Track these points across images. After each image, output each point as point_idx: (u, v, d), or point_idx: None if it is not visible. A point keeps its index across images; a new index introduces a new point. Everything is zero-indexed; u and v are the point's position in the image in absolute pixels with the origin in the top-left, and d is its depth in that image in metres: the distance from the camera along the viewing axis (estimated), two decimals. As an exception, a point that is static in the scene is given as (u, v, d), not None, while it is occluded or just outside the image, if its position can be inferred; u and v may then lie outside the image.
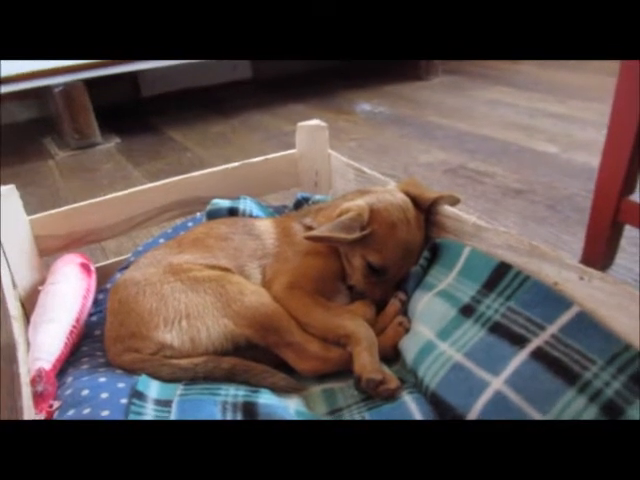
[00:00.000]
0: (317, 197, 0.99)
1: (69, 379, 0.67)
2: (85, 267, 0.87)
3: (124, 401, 0.60)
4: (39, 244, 0.91)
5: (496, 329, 0.63)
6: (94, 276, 0.89)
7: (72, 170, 1.92)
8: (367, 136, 1.98)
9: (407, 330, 0.74)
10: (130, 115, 2.54)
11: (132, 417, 0.57)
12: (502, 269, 0.68)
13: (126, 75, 2.33)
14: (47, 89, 2.03)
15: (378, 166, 1.65)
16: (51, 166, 1.98)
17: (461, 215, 0.77)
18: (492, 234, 0.72)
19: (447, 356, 0.64)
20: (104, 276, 0.93)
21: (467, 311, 0.67)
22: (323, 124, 1.07)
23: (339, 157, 1.05)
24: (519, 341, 0.60)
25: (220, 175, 1.03)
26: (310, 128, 1.07)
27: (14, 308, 0.68)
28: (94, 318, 0.86)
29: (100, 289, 0.91)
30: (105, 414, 0.57)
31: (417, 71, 2.71)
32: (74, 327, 0.76)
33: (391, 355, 0.73)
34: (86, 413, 0.58)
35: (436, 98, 2.43)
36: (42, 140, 2.26)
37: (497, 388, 0.58)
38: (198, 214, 1.00)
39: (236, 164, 1.05)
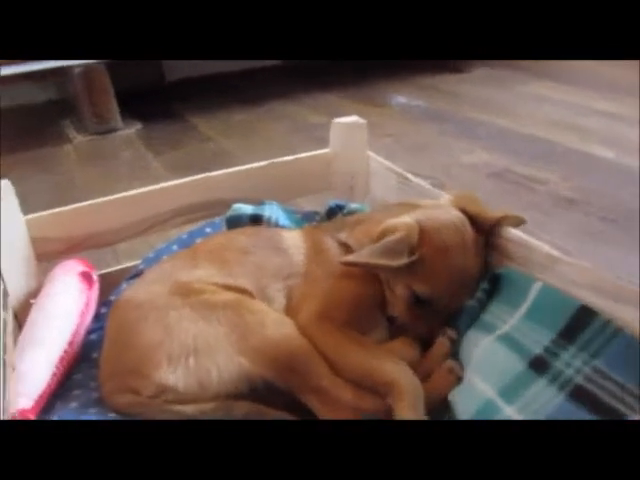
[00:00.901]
0: (353, 206, 0.87)
1: (54, 419, 0.57)
2: (86, 277, 0.77)
3: (113, 463, 0.48)
4: (36, 247, 0.80)
5: (578, 395, 0.50)
6: (96, 287, 0.78)
7: (89, 156, 1.83)
8: (403, 132, 1.84)
9: (459, 379, 0.61)
10: (153, 100, 2.44)
11: None
12: (585, 316, 0.55)
13: (150, 57, 2.23)
14: (67, 70, 1.93)
15: (416, 166, 1.51)
16: (68, 151, 1.88)
17: (531, 241, 0.64)
18: (570, 268, 0.59)
19: (514, 424, 0.51)
20: (111, 284, 0.82)
21: (539, 365, 0.54)
22: (362, 121, 0.94)
23: (379, 160, 0.92)
24: (609, 414, 0.48)
25: (244, 175, 0.91)
26: (346, 126, 0.94)
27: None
28: (93, 336, 0.75)
29: (104, 301, 0.80)
30: None
31: (455, 62, 2.54)
32: (66, 352, 0.65)
33: (438, 408, 0.61)
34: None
35: (476, 92, 2.27)
36: (61, 123, 2.17)
37: (583, 476, 0.45)
38: (217, 219, 0.88)
39: (262, 163, 0.93)
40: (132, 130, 2.03)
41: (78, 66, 1.88)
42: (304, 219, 0.89)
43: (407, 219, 0.66)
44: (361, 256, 0.63)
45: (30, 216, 0.79)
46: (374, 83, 2.45)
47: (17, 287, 0.78)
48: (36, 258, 0.81)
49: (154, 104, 2.37)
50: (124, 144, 1.92)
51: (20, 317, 0.76)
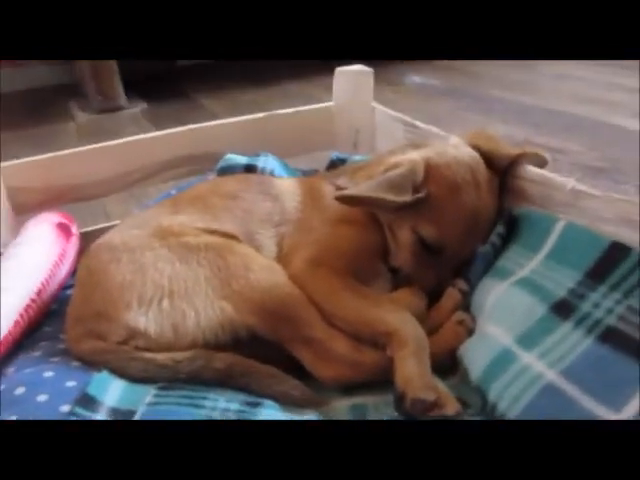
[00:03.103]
0: (356, 157, 0.80)
1: (11, 370, 0.51)
2: (64, 228, 0.71)
3: (65, 409, 0.42)
4: (13, 198, 0.74)
5: (611, 337, 0.43)
6: (75, 240, 0.72)
7: (92, 133, 1.77)
8: (417, 107, 1.75)
9: (470, 332, 0.54)
10: (162, 81, 2.38)
11: (67, 436, 0.39)
12: (616, 252, 0.47)
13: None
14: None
15: (429, 137, 1.43)
16: (71, 129, 1.84)
17: (553, 178, 0.56)
18: (597, 203, 0.51)
19: (535, 373, 0.44)
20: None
21: (563, 309, 0.47)
22: (367, 69, 0.87)
23: (385, 110, 0.85)
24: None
25: (239, 127, 0.85)
26: (352, 74, 0.87)
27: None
28: (70, 292, 0.69)
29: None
30: (32, 428, 0.40)
31: (474, 43, 2.45)
32: (33, 300, 0.59)
33: (446, 365, 0.53)
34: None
35: (496, 72, 2.17)
36: (67, 103, 2.13)
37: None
38: (209, 173, 0.82)
39: (260, 115, 0.86)
40: (137, 109, 1.97)
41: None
42: (303, 175, 0.82)
43: (413, 155, 0.59)
44: (360, 190, 0.56)
45: (6, 164, 0.74)
46: (389, 63, 2.36)
47: (-8, 240, 0.72)
48: (14, 210, 0.75)
49: (163, 85, 2.32)
50: (129, 122, 1.87)
51: (-5, 272, 0.71)
